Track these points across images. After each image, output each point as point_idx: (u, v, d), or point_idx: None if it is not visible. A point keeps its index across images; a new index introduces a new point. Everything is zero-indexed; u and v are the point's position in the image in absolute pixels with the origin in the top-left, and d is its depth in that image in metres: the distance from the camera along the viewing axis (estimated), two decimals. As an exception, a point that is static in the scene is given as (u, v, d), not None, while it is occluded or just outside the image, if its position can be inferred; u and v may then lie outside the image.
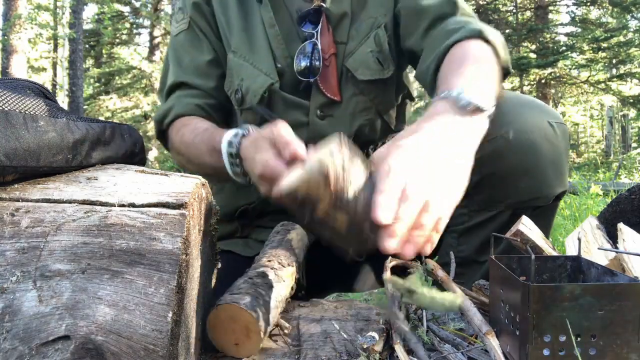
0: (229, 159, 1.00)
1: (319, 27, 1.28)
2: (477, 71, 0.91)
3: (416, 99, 1.59)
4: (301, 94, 1.30)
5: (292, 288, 1.00)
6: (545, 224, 1.16)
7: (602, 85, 12.13)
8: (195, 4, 1.35)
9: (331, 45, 1.28)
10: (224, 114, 1.37)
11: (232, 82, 1.32)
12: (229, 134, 1.01)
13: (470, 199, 1.18)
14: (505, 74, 1.07)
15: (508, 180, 1.10)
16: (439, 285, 0.99)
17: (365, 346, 0.74)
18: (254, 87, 1.27)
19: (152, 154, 12.36)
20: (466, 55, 0.99)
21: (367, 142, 1.36)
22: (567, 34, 12.53)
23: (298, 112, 1.30)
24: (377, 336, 0.77)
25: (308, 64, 1.27)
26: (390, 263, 1.06)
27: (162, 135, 1.36)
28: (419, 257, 1.02)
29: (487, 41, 1.04)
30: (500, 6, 12.86)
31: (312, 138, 1.29)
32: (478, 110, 0.83)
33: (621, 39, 10.93)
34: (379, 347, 0.75)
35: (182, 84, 1.33)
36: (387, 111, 1.36)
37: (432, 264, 1.00)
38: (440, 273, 0.96)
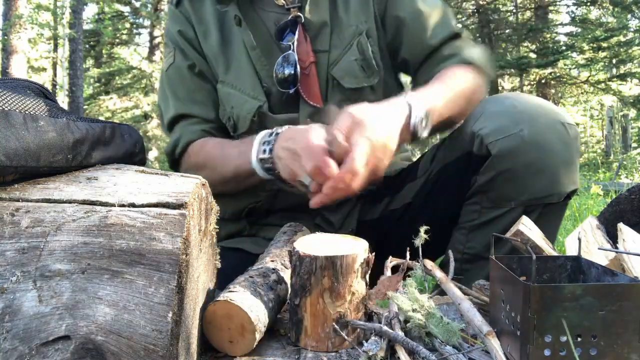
0: (260, 155, 1.11)
1: (295, 37, 1.30)
2: (435, 89, 1.16)
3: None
4: (290, 107, 1.32)
5: None
6: (554, 222, 1.19)
7: (602, 85, 12.13)
8: (180, 32, 1.37)
9: (310, 54, 1.30)
10: (228, 136, 1.40)
11: (224, 111, 1.35)
12: (257, 140, 1.12)
13: (482, 196, 1.19)
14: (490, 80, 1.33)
15: (521, 178, 1.12)
16: (439, 285, 0.99)
17: (370, 354, 0.74)
18: (243, 114, 1.30)
19: (152, 154, 12.36)
20: (439, 77, 1.22)
21: None
22: (567, 34, 12.53)
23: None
24: (380, 341, 0.77)
25: (292, 72, 1.28)
26: (391, 263, 1.06)
27: (175, 164, 1.39)
28: (417, 256, 1.02)
29: (474, 64, 1.27)
30: (500, 6, 12.86)
31: None
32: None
33: (621, 38, 10.92)
34: (382, 353, 0.75)
35: (183, 115, 1.37)
36: None
37: (430, 264, 1.00)
38: (438, 273, 0.96)
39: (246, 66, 1.32)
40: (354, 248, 0.84)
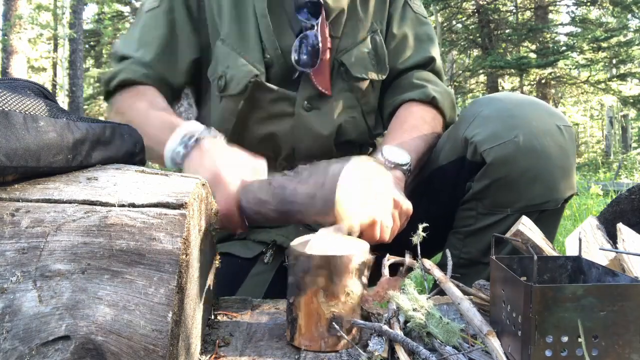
0: (171, 162, 1.06)
1: (319, 20, 1.28)
2: (408, 136, 1.24)
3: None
4: (290, 85, 1.30)
5: None
6: (551, 227, 1.17)
7: (602, 85, 12.13)
8: None
9: (328, 39, 1.30)
10: (168, 90, 1.34)
11: (215, 69, 1.32)
12: (177, 137, 1.05)
13: (478, 202, 1.18)
14: (449, 124, 1.36)
15: (517, 185, 1.11)
16: (437, 285, 0.99)
17: (376, 354, 0.74)
18: (239, 76, 1.27)
19: (152, 154, 12.34)
20: (407, 120, 1.30)
21: (346, 141, 1.37)
22: (567, 34, 12.54)
23: (284, 103, 1.31)
24: (384, 341, 0.77)
25: (307, 59, 1.27)
26: (389, 261, 1.06)
27: (108, 95, 1.34)
28: (416, 256, 1.02)
29: (435, 105, 1.32)
30: (500, 6, 12.86)
31: (295, 128, 1.30)
32: (397, 165, 1.16)
33: (621, 38, 10.93)
34: (385, 353, 0.75)
35: (134, 57, 1.31)
36: (369, 113, 1.40)
37: (429, 263, 0.99)
38: (437, 273, 0.95)
39: (252, 33, 1.30)
40: (352, 249, 0.84)
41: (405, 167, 1.16)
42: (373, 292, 0.92)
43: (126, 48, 1.33)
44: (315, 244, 0.85)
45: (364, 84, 1.34)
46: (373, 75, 1.35)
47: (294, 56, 1.28)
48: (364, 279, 0.85)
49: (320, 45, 1.27)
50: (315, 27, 1.27)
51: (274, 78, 1.30)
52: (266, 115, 1.30)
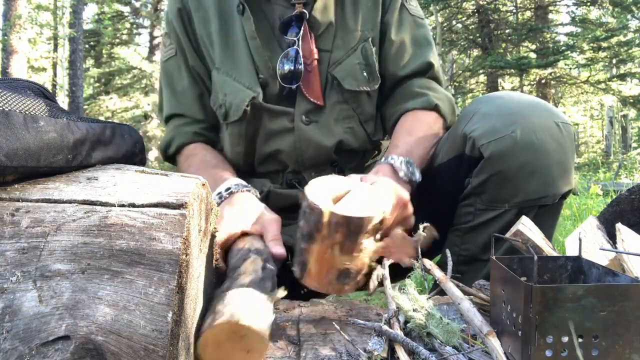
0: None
1: (301, 33, 1.30)
2: (417, 144, 1.25)
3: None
4: (286, 101, 1.33)
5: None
6: (550, 223, 1.18)
7: (602, 85, 12.12)
8: (179, 19, 1.39)
9: (314, 51, 1.31)
10: (218, 131, 1.45)
11: (216, 98, 1.36)
12: (217, 190, 1.16)
13: (476, 198, 1.19)
14: (449, 127, 1.36)
15: (515, 180, 1.11)
16: (438, 285, 0.99)
17: (375, 354, 0.74)
18: (236, 102, 1.31)
19: (152, 154, 12.35)
20: (415, 128, 1.30)
21: (348, 150, 1.38)
22: (567, 34, 12.54)
23: (283, 119, 1.33)
24: (383, 341, 0.77)
25: (292, 68, 1.30)
26: (389, 261, 1.06)
27: (169, 160, 1.47)
28: (416, 255, 1.02)
29: (438, 111, 1.32)
30: (500, 6, 12.86)
31: (297, 142, 1.32)
32: (411, 181, 1.17)
33: (621, 38, 10.93)
34: (385, 353, 0.75)
35: (176, 114, 1.42)
36: (367, 121, 1.40)
37: (429, 263, 0.99)
38: (438, 273, 0.95)
39: (244, 56, 1.32)
40: (372, 209, 0.86)
41: (415, 183, 1.20)
42: (383, 245, 0.93)
43: (169, 108, 1.44)
44: (332, 191, 0.88)
45: (358, 95, 1.35)
46: (364, 87, 1.35)
47: (279, 71, 1.31)
48: (378, 235, 0.90)
49: (301, 59, 1.29)
50: (296, 43, 1.29)
51: (271, 96, 1.33)
52: (270, 133, 1.33)
